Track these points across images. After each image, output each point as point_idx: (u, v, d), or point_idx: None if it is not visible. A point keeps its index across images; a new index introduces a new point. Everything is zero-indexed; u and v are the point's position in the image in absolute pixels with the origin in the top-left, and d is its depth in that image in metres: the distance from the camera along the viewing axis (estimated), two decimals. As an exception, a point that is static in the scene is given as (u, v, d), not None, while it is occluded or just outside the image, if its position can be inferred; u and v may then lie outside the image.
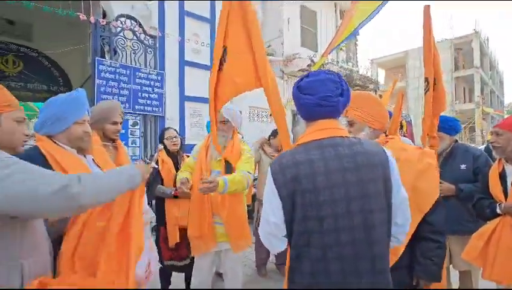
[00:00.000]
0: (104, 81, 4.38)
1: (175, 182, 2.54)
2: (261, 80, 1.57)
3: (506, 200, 1.71)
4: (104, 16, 5.16)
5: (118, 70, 4.53)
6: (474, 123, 21.01)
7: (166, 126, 5.37)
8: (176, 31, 5.55)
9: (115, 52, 4.67)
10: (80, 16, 4.19)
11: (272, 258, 3.33)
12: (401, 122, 8.01)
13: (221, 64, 1.68)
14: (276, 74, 8.13)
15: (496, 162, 1.65)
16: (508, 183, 1.73)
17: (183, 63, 5.74)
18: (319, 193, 0.95)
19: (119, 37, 4.65)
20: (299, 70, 7.70)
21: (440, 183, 2.09)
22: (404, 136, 7.77)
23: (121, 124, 1.81)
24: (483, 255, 1.69)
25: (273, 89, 1.58)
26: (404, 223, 1.03)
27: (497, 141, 1.76)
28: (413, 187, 1.28)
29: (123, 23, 4.65)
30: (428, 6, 1.93)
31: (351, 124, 1.50)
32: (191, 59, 5.88)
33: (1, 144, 1.01)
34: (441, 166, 2.17)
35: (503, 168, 1.74)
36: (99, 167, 1.41)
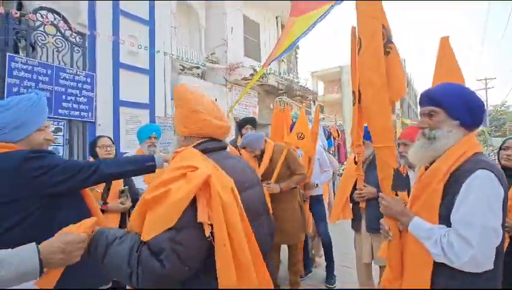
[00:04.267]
0: (18, 81, 3.78)
1: (102, 196, 2.35)
2: None
3: None
4: (20, 7, 4.51)
5: (36, 69, 3.96)
6: (396, 133, 24.06)
7: (97, 132, 4.90)
8: (109, 30, 5.13)
9: (33, 48, 4.10)
10: (-14, 5, 3.59)
11: None
12: (337, 131, 8.68)
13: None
14: (219, 82, 8.11)
15: (401, 168, 1.85)
16: (411, 187, 1.97)
17: (117, 65, 5.31)
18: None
19: (38, 32, 4.09)
20: (242, 79, 7.82)
21: (364, 186, 2.29)
22: (338, 143, 8.43)
23: None
24: None
25: None
26: None
27: (405, 151, 2.00)
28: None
29: (44, 16, 4.12)
30: (355, 27, 2.11)
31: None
32: (127, 62, 5.49)
33: None
34: (365, 171, 2.37)
35: (407, 174, 1.97)
36: None
